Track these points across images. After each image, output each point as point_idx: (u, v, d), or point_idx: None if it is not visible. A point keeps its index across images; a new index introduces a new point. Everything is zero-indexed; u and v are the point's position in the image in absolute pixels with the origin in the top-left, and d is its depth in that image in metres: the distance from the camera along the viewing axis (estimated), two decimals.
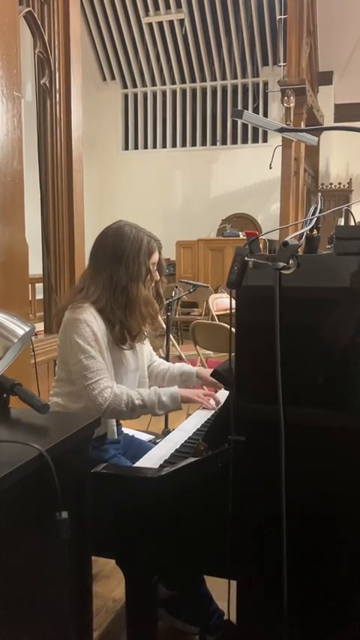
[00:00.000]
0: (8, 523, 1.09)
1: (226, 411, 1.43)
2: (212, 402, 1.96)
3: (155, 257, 1.90)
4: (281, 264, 1.17)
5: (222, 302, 6.08)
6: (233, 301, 1.34)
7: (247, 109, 9.41)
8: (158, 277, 1.95)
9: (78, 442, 1.31)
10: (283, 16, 8.56)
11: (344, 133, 1.68)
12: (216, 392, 2.07)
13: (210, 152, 10.99)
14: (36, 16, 3.07)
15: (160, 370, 2.12)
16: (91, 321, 1.78)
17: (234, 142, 10.96)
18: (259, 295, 1.30)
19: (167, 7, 10.06)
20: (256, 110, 10.55)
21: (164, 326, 3.28)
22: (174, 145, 11.29)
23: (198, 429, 1.96)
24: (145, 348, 2.05)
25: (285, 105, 7.76)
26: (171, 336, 3.48)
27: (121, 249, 1.84)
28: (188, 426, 2.01)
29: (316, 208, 1.37)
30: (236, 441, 1.36)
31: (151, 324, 1.94)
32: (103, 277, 1.85)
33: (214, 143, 11.11)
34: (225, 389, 1.93)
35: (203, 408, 2.13)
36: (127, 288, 1.82)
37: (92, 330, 1.77)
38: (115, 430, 1.92)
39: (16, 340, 1.40)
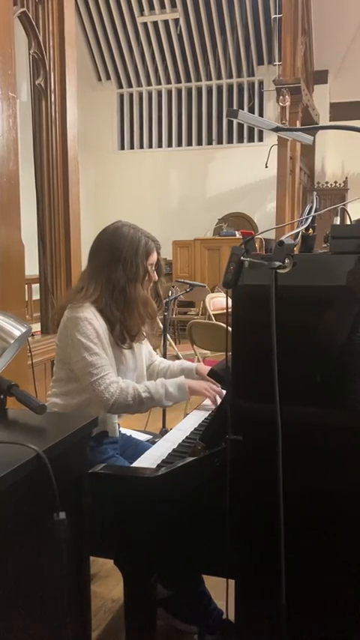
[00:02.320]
0: (6, 524, 1.09)
1: (224, 410, 1.43)
2: (218, 398, 1.95)
3: (153, 258, 1.90)
4: (277, 263, 1.17)
5: (219, 301, 6.09)
6: (229, 300, 1.34)
7: (243, 108, 9.46)
8: (157, 278, 1.95)
9: (75, 443, 1.31)
10: (277, 15, 8.56)
11: (340, 131, 1.68)
12: None
13: (206, 151, 10.99)
14: (30, 16, 3.06)
15: (160, 369, 2.13)
16: (92, 319, 1.78)
17: (230, 141, 10.97)
18: (255, 294, 1.30)
19: (162, 6, 10.05)
20: (251, 109, 10.56)
21: (161, 326, 3.29)
22: (170, 144, 11.28)
23: (195, 429, 1.97)
24: (144, 348, 2.05)
25: (280, 104, 7.76)
26: (168, 336, 3.48)
27: (118, 249, 1.84)
28: (186, 425, 2.01)
29: (311, 207, 1.37)
30: (233, 440, 1.36)
31: (149, 324, 1.95)
32: (101, 278, 1.85)
33: (209, 142, 11.11)
34: (222, 388, 1.93)
35: (201, 407, 2.14)
36: (125, 289, 1.83)
37: (94, 327, 1.77)
38: (117, 428, 1.92)
39: (12, 341, 1.40)
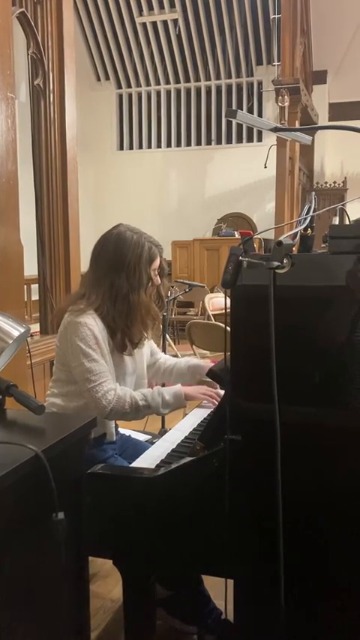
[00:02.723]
0: (5, 524, 1.09)
1: (223, 411, 1.43)
2: (216, 397, 1.95)
3: (156, 263, 1.88)
4: (275, 263, 1.17)
5: (218, 301, 6.09)
6: (228, 300, 1.34)
7: (242, 109, 9.45)
8: (159, 282, 1.94)
9: (74, 443, 1.31)
10: (276, 16, 8.57)
11: (339, 132, 1.69)
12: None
13: (205, 152, 11.00)
14: (29, 16, 3.06)
15: (167, 367, 2.13)
16: (92, 325, 1.78)
17: (229, 141, 10.96)
18: (253, 294, 1.30)
19: (161, 6, 10.05)
20: (250, 109, 10.56)
21: (160, 326, 3.29)
22: (169, 144, 11.29)
23: (194, 429, 1.97)
24: (145, 349, 2.04)
25: (279, 104, 7.76)
26: (167, 336, 3.48)
27: (122, 256, 1.82)
28: (185, 425, 2.01)
29: (309, 207, 1.37)
30: (232, 440, 1.36)
31: (152, 328, 1.94)
32: (104, 285, 1.83)
33: (209, 143, 11.11)
34: (221, 388, 1.93)
35: (201, 406, 2.13)
36: (128, 297, 1.81)
37: (93, 333, 1.77)
38: (114, 431, 1.92)
39: (11, 341, 1.40)
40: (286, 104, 7.71)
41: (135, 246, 1.83)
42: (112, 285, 1.82)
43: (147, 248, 1.84)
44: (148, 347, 2.08)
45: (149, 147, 11.38)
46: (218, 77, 10.82)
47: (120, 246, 1.83)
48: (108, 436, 1.89)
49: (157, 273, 1.91)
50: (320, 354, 1.30)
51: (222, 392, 1.98)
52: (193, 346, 4.36)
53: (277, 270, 1.19)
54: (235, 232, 8.81)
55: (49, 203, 3.33)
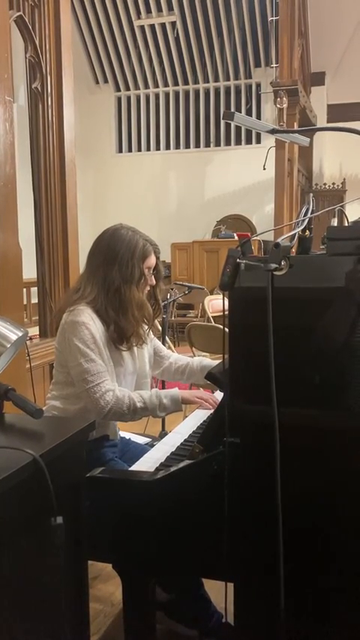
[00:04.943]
0: (3, 528, 1.08)
1: (222, 413, 1.43)
2: (211, 402, 1.96)
3: (150, 261, 1.90)
4: (273, 265, 1.17)
5: (218, 303, 6.09)
6: (226, 302, 1.34)
7: (240, 111, 9.42)
8: (154, 282, 1.95)
9: (72, 447, 1.31)
10: (274, 18, 8.57)
11: (337, 133, 1.68)
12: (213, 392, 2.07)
13: (204, 154, 11.01)
14: (27, 20, 3.06)
15: (178, 366, 2.14)
16: (90, 324, 1.78)
17: (227, 143, 10.97)
18: (251, 296, 1.30)
19: (159, 9, 10.07)
20: (249, 111, 10.57)
21: (160, 328, 3.29)
22: (168, 147, 11.30)
23: (194, 432, 1.96)
24: (147, 352, 2.04)
25: (278, 106, 7.77)
26: (167, 338, 3.48)
27: (115, 250, 1.85)
28: (185, 428, 2.01)
29: (307, 209, 1.37)
30: (231, 443, 1.36)
31: (147, 324, 1.94)
32: (98, 278, 1.86)
33: (207, 145, 11.13)
34: (220, 391, 1.92)
35: (202, 407, 2.13)
36: (120, 290, 1.83)
37: (91, 332, 1.78)
38: (117, 431, 1.92)
39: (9, 345, 1.40)
40: (285, 106, 7.71)
41: (129, 241, 1.86)
42: (105, 277, 1.85)
43: (141, 244, 1.87)
44: (152, 346, 2.08)
45: (148, 149, 11.39)
46: (217, 79, 10.84)
47: (114, 240, 1.87)
48: (111, 435, 1.90)
49: (152, 272, 1.92)
50: (319, 356, 1.30)
51: (217, 397, 1.98)
52: (193, 348, 4.36)
53: (274, 272, 1.19)
54: (234, 234, 8.80)
55: (47, 206, 3.33)
